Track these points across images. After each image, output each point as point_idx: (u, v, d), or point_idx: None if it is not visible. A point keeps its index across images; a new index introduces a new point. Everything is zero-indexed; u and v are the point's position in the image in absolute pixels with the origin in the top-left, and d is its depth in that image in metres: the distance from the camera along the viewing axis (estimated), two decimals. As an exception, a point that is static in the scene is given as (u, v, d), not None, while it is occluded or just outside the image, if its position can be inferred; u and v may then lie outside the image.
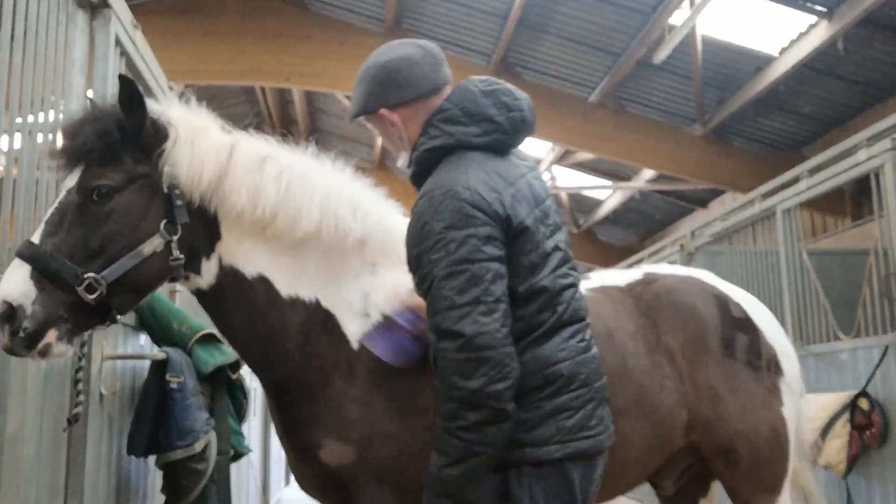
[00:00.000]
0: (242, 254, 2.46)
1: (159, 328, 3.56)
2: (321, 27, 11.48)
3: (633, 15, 9.79)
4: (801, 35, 9.41)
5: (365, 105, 2.26)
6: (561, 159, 14.18)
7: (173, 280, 2.46)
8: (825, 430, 5.20)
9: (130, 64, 3.63)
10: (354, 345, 2.46)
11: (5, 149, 2.72)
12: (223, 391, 3.65)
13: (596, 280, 3.01)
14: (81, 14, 3.17)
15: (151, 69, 3.97)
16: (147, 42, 3.88)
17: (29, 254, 2.20)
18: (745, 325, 2.98)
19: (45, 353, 2.21)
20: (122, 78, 2.32)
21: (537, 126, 2.30)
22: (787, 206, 6.61)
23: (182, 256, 2.36)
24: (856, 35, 8.98)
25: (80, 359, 2.94)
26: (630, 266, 3.21)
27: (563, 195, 16.16)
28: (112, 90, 3.16)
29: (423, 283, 1.98)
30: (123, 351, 3.53)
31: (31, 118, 2.88)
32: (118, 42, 3.39)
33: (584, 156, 13.47)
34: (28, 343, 2.17)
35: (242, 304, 2.47)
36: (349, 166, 2.65)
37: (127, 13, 3.51)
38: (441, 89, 2.21)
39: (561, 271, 2.05)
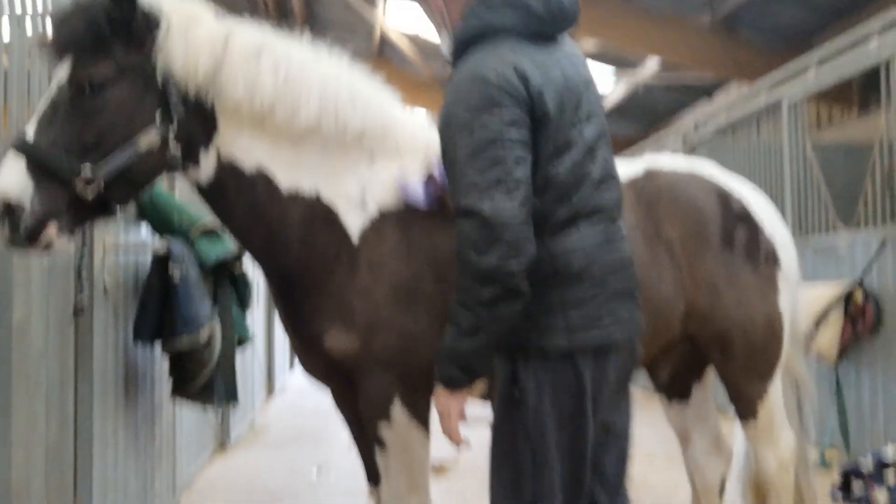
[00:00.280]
0: (241, 147, 2.43)
1: (160, 220, 3.57)
2: None
3: None
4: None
5: None
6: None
7: (171, 171, 2.44)
8: (819, 320, 5.30)
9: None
10: (355, 239, 2.48)
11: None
12: (226, 281, 3.70)
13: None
14: None
15: (141, -48, 3.82)
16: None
17: (24, 147, 2.17)
18: (745, 219, 2.99)
19: (46, 247, 2.22)
20: None
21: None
22: (793, 98, 6.50)
23: (179, 149, 2.34)
24: (874, -84, 8.60)
25: (82, 247, 2.96)
26: (632, 157, 3.18)
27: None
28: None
29: (449, 167, 1.97)
30: (125, 241, 3.56)
31: (18, 6, 2.80)
32: (106, -77, 3.24)
33: (589, 44, 13.16)
34: (29, 237, 2.17)
35: (242, 199, 2.46)
36: (347, 55, 2.59)
37: None
38: None
39: (582, 162, 2.01)
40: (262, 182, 2.46)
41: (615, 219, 2.10)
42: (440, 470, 5.40)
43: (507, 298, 1.87)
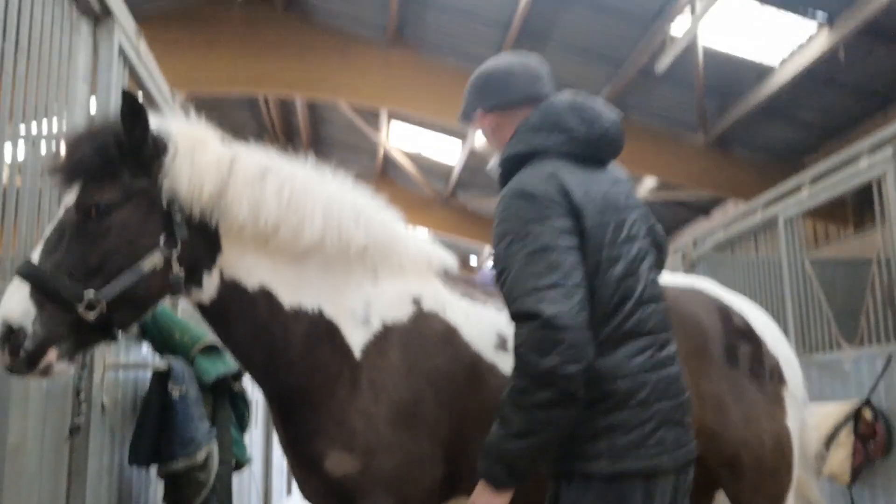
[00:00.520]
0: (244, 267, 2.45)
1: (161, 338, 3.55)
2: (323, 37, 11.53)
3: (635, 24, 9.80)
4: (802, 45, 9.43)
5: (465, 108, 2.40)
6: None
7: (174, 294, 2.45)
8: (829, 440, 5.18)
9: (133, 73, 3.64)
10: (357, 355, 2.46)
11: (9, 158, 2.72)
12: (225, 401, 3.65)
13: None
14: (85, 23, 3.18)
15: (154, 78, 3.98)
16: (150, 51, 3.89)
17: (28, 273, 2.20)
18: (748, 334, 2.97)
19: (46, 373, 2.21)
20: (125, 94, 2.30)
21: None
22: (789, 214, 6.60)
23: (182, 271, 2.35)
24: (857, 44, 8.99)
25: (82, 369, 2.94)
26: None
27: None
28: (115, 99, 3.17)
29: (503, 277, 1.99)
30: (125, 361, 3.53)
31: (34, 127, 2.88)
32: (121, 51, 3.40)
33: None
34: (29, 362, 2.17)
35: (245, 317, 2.46)
36: (350, 175, 2.66)
37: (130, 22, 3.52)
38: (535, 101, 2.26)
39: (624, 280, 2.03)
40: (265, 299, 2.46)
41: (664, 342, 2.09)
42: None
43: (563, 402, 1.85)
